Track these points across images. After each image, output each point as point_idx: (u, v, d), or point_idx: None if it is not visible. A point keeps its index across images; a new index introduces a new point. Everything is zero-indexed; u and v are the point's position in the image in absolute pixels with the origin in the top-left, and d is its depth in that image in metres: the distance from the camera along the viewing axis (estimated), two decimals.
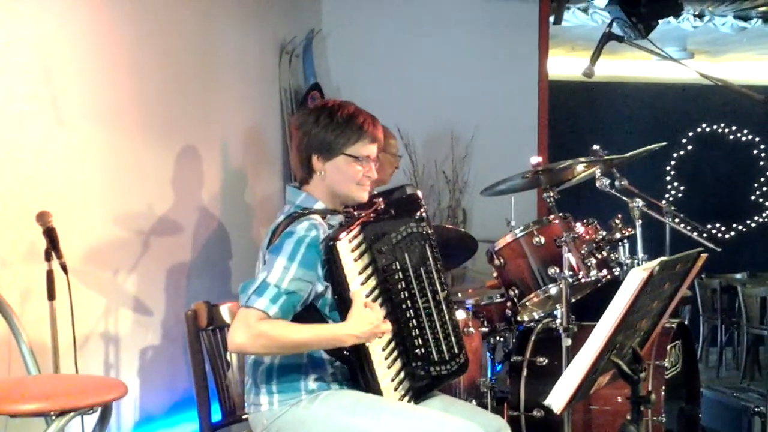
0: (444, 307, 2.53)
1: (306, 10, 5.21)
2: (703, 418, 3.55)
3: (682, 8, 5.57)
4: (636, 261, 3.14)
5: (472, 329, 3.25)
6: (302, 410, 2.32)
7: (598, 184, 3.13)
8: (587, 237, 3.13)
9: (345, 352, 2.31)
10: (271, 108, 4.66)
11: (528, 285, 3.15)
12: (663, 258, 1.94)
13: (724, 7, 6.64)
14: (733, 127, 8.40)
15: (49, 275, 2.67)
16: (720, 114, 8.26)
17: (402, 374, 2.39)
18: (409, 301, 2.41)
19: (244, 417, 2.63)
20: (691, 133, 8.32)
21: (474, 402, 3.18)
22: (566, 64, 7.68)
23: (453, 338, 2.55)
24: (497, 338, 3.43)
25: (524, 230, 3.15)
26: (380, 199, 2.47)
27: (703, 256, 2.12)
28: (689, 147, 8.31)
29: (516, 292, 3.18)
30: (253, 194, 4.37)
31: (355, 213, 2.40)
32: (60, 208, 2.77)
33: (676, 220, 3.47)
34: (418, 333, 2.43)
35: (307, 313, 2.29)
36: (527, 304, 3.20)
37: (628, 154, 3.30)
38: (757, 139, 8.45)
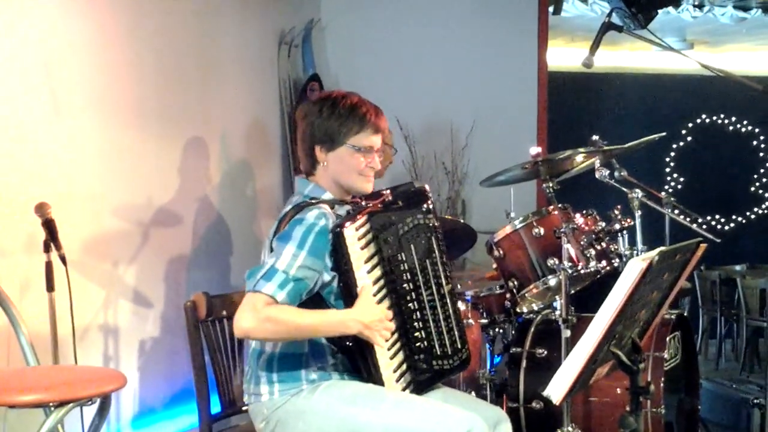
0: (448, 301, 2.52)
1: (305, 1, 5.20)
2: (702, 409, 3.55)
3: None
4: (635, 252, 3.14)
5: (471, 321, 3.25)
6: (303, 400, 2.32)
7: (597, 174, 3.12)
8: (586, 228, 3.13)
9: (348, 343, 2.30)
10: (270, 98, 4.65)
11: (527, 276, 3.15)
12: (662, 248, 1.93)
13: None
14: (733, 118, 8.37)
15: (48, 266, 2.67)
16: (720, 105, 8.23)
17: (404, 366, 2.38)
18: (413, 293, 2.41)
19: (243, 409, 2.62)
20: (690, 124, 8.30)
21: (473, 393, 3.18)
22: (566, 55, 7.67)
23: (456, 332, 2.54)
24: (496, 330, 3.44)
25: (524, 221, 3.15)
26: (387, 191, 2.45)
27: (703, 245, 2.12)
28: (689, 138, 8.29)
29: (515, 283, 3.18)
30: (253, 185, 4.36)
31: (363, 203, 2.40)
32: (59, 200, 2.77)
33: (676, 211, 3.47)
34: (421, 325, 2.42)
35: (312, 302, 2.29)
36: (526, 295, 3.20)
37: (627, 145, 3.29)
38: (756, 130, 8.43)
